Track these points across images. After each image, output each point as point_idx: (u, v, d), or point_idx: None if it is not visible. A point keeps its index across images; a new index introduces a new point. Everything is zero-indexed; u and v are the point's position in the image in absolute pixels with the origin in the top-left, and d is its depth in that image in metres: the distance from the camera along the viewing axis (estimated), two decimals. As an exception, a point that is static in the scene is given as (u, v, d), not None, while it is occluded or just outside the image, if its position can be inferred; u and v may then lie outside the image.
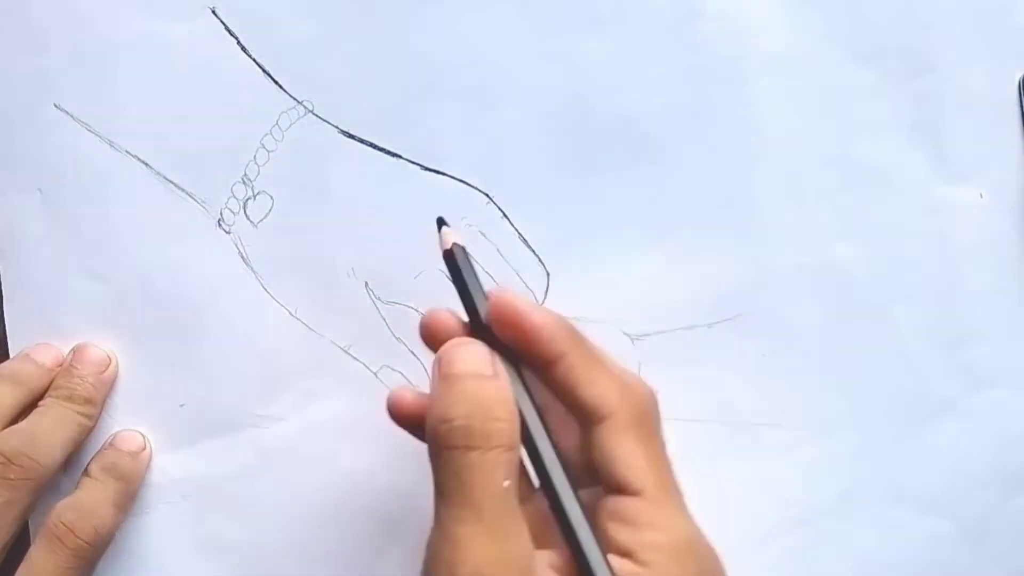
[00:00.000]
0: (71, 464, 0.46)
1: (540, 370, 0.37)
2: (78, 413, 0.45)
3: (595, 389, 0.36)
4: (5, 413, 0.44)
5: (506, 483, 0.34)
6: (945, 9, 0.47)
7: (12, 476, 0.42)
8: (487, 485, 0.34)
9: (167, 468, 0.47)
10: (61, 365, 0.46)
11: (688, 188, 0.47)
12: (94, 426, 0.46)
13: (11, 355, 0.47)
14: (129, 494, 0.46)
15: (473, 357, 0.36)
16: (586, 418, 0.36)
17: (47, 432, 0.44)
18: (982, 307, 0.47)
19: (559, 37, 0.46)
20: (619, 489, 0.36)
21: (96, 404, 0.46)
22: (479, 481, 0.34)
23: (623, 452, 0.36)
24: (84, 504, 0.44)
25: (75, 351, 0.46)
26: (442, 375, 0.36)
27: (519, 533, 0.34)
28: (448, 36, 0.46)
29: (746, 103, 0.46)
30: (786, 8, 0.46)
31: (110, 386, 0.46)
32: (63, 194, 0.46)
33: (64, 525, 0.43)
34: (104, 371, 0.46)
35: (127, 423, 0.46)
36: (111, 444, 0.46)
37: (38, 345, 0.46)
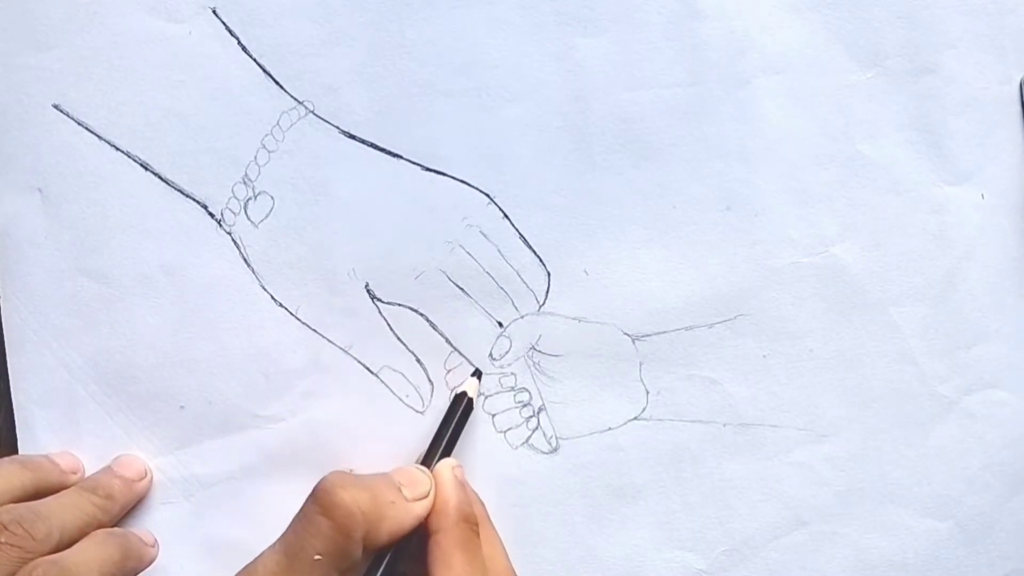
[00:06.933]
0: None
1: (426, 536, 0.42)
2: (93, 504, 0.44)
3: (443, 573, 0.40)
4: (10, 489, 0.43)
5: (316, 556, 0.39)
6: (945, 9, 0.47)
7: (2, 540, 0.40)
8: (304, 545, 0.39)
9: (167, 468, 0.47)
10: (76, 472, 0.46)
11: (688, 188, 0.47)
12: (108, 522, 0.45)
13: (8, 355, 0.47)
14: (114, 536, 0.44)
15: (413, 476, 0.42)
16: None
17: (52, 511, 0.42)
18: (982, 307, 0.47)
19: (559, 37, 0.46)
20: None
21: (116, 502, 0.45)
22: (301, 537, 0.39)
23: None
24: (64, 561, 0.41)
25: (117, 458, 0.46)
26: (391, 474, 0.42)
27: None
28: (448, 36, 0.46)
29: (746, 103, 0.46)
30: (786, 8, 0.46)
31: (138, 497, 0.46)
32: (63, 194, 0.46)
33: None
34: (138, 481, 0.46)
35: (127, 424, 0.47)
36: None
37: (60, 452, 0.46)
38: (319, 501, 0.39)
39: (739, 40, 0.46)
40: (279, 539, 0.40)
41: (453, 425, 0.45)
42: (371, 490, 0.40)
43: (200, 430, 0.47)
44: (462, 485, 0.43)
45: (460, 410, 0.45)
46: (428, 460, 0.44)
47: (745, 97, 0.46)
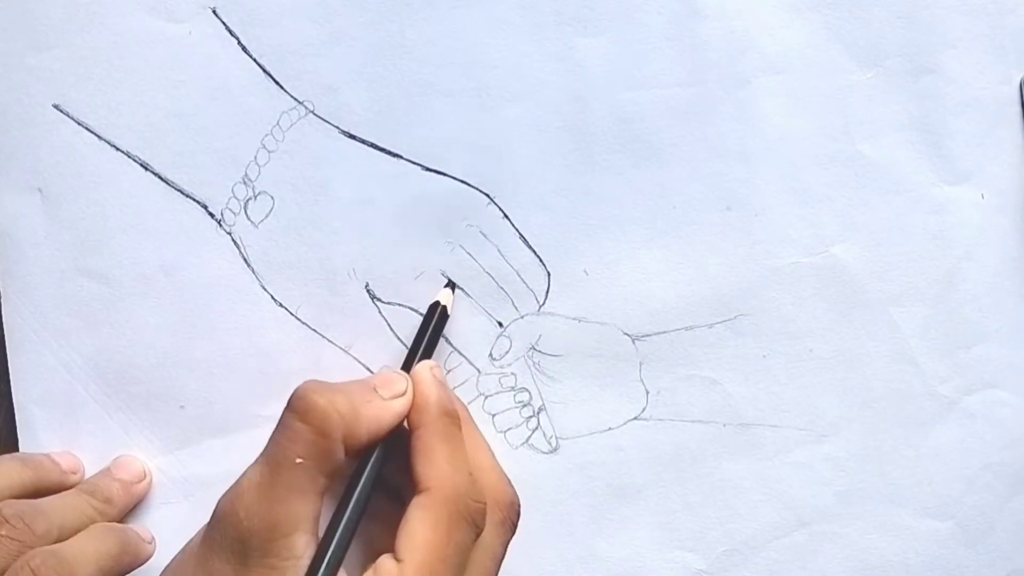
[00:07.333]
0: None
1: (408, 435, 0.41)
2: (92, 507, 0.44)
3: (425, 465, 0.40)
4: (10, 486, 0.43)
5: (298, 460, 0.38)
6: (945, 9, 0.47)
7: (2, 533, 0.41)
8: (286, 451, 0.38)
9: (168, 469, 0.47)
10: (76, 472, 0.46)
11: (688, 188, 0.47)
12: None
13: (8, 355, 0.47)
14: (113, 530, 0.44)
15: (388, 378, 0.42)
16: (413, 488, 0.40)
17: (53, 509, 0.43)
18: (982, 307, 0.47)
19: (559, 37, 0.46)
20: (394, 550, 0.39)
21: (115, 505, 0.45)
22: (281, 445, 0.38)
23: (410, 522, 0.39)
24: (61, 552, 0.41)
25: (116, 459, 0.46)
26: (367, 379, 0.42)
27: (291, 504, 0.38)
28: (448, 36, 0.46)
29: (746, 103, 0.46)
30: (786, 8, 0.46)
31: (137, 499, 0.46)
32: (63, 194, 0.46)
33: (30, 569, 0.40)
34: (137, 483, 0.46)
35: (127, 424, 0.47)
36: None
37: (60, 452, 0.46)
38: (295, 408, 0.39)
39: (739, 40, 0.46)
40: (261, 453, 0.39)
41: (429, 332, 0.44)
42: (346, 392, 0.40)
43: (200, 430, 0.47)
44: (441, 384, 0.42)
45: (435, 318, 0.45)
46: (407, 366, 0.44)
47: (745, 97, 0.46)
